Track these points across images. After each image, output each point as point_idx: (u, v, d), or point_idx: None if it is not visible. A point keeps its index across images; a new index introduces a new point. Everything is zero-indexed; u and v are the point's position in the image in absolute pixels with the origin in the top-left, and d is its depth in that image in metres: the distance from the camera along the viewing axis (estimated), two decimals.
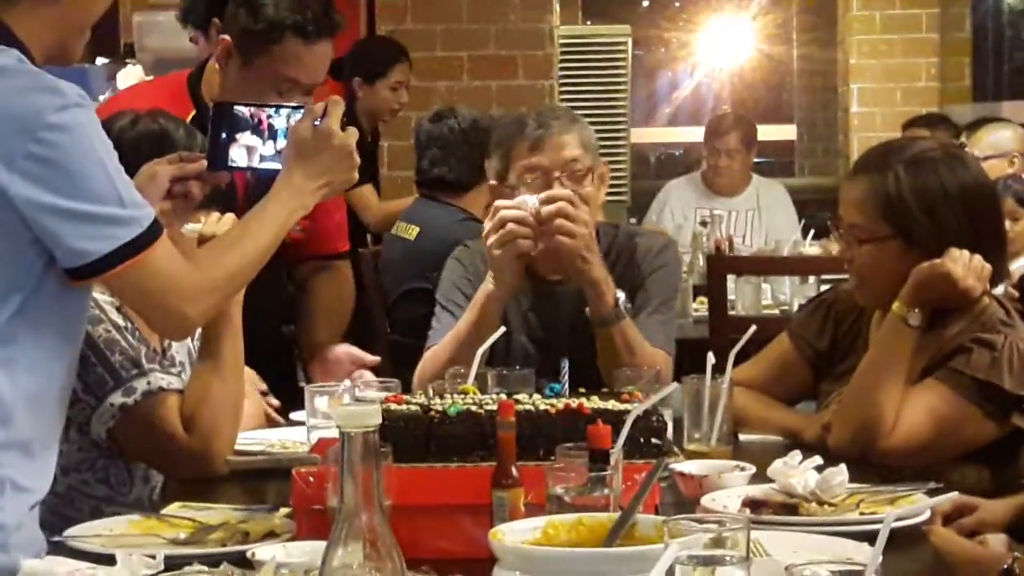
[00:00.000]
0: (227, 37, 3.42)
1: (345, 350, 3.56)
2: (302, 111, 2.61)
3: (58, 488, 2.68)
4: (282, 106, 2.67)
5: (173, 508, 2.41)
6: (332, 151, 2.54)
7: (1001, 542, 2.54)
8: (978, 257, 2.82)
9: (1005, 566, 2.17)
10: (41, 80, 2.23)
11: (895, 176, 2.87)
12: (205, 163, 2.62)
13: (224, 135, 2.59)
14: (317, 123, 2.55)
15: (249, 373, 3.13)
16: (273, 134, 2.60)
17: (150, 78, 5.08)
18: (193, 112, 3.45)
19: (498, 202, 3.19)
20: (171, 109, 3.30)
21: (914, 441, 2.77)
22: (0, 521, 2.23)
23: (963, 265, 2.81)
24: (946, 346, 2.85)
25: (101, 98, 4.92)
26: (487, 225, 3.19)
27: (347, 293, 3.86)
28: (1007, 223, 3.43)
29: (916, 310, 2.82)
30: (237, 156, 2.60)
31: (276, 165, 2.58)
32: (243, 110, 2.61)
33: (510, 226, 3.13)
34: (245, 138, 2.60)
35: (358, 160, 2.57)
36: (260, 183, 3.49)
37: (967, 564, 2.39)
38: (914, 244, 2.87)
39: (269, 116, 2.61)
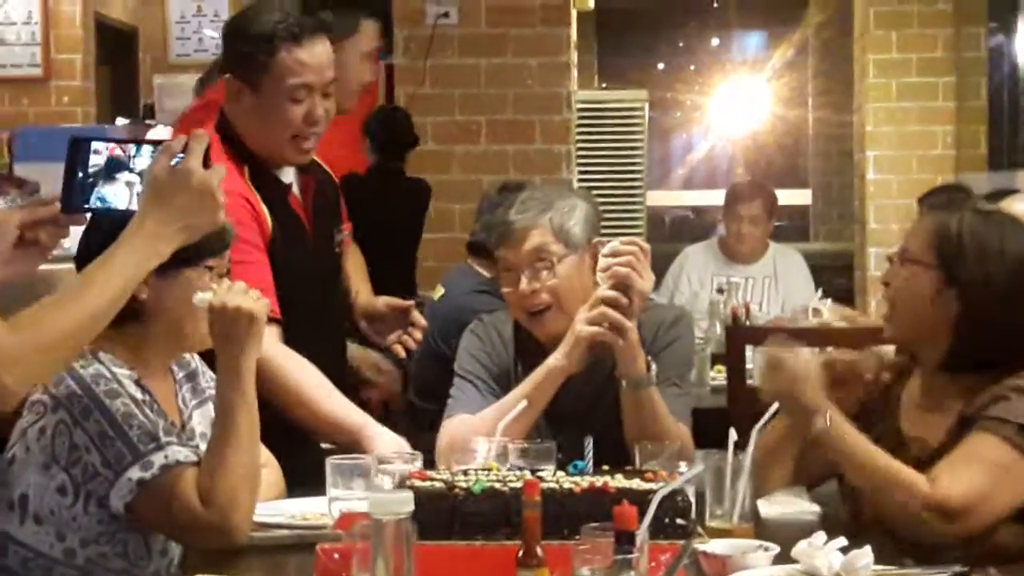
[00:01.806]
0: (228, 76, 3.42)
1: (385, 302, 3.69)
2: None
3: (77, 561, 2.70)
4: (144, 142, 2.44)
5: None
6: (191, 192, 2.34)
7: None
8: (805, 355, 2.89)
9: None
10: None
11: (960, 218, 2.94)
12: (59, 205, 2.39)
13: (80, 174, 2.38)
14: (175, 161, 2.37)
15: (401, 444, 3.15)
16: (134, 172, 2.39)
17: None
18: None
19: (601, 292, 3.21)
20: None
21: (974, 494, 2.72)
22: None
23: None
24: (982, 394, 2.85)
25: None
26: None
27: (362, 261, 4.00)
28: None
29: (826, 413, 2.84)
30: (97, 196, 2.39)
31: (136, 207, 2.38)
32: (101, 146, 2.40)
33: (606, 311, 3.18)
34: (105, 177, 2.39)
35: (222, 200, 2.39)
36: (321, 217, 3.56)
37: None
38: (954, 284, 2.89)
39: (130, 154, 2.40)
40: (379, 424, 3.20)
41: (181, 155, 2.36)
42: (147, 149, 2.38)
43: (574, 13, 7.49)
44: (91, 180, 2.36)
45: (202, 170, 2.35)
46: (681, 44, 13.77)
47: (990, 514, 2.76)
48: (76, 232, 2.72)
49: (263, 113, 3.37)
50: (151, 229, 2.32)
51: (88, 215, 2.45)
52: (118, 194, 2.36)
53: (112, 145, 2.38)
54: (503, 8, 7.01)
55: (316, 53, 3.37)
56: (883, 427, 3.01)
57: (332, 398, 3.21)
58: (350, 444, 3.14)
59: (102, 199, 2.36)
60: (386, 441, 3.14)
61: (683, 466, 2.74)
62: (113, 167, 2.36)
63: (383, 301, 3.68)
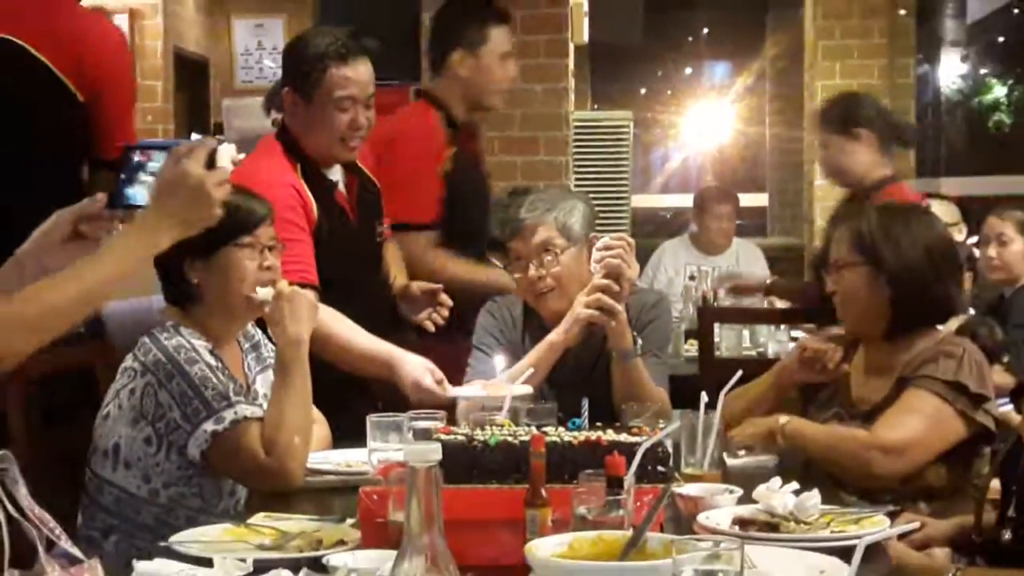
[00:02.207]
0: (286, 89, 3.43)
1: (417, 285, 3.64)
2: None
3: (160, 500, 2.70)
4: (164, 148, 2.27)
5: (258, 518, 2.39)
6: (187, 190, 2.16)
7: (945, 555, 2.54)
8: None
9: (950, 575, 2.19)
10: None
11: (867, 218, 2.97)
12: (105, 203, 2.28)
13: (124, 175, 2.28)
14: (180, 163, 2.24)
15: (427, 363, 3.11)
16: (152, 174, 2.27)
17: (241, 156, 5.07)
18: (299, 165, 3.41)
19: (596, 280, 3.23)
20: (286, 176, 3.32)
21: (910, 436, 2.78)
22: None
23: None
24: (915, 358, 2.89)
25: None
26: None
27: (398, 253, 3.90)
28: None
29: (783, 424, 2.87)
30: (128, 195, 2.28)
31: None
32: (138, 151, 2.33)
33: (601, 296, 3.18)
34: (134, 178, 2.28)
35: (218, 197, 2.19)
36: (363, 210, 3.53)
37: (919, 573, 2.39)
38: (882, 271, 2.92)
39: (151, 159, 2.27)
40: (407, 352, 3.17)
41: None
42: (162, 155, 2.25)
43: (571, 47, 7.46)
44: (127, 181, 2.29)
45: (199, 171, 2.17)
46: (660, 73, 13.71)
47: (923, 455, 2.79)
48: None
49: (315, 119, 3.38)
50: (149, 223, 2.18)
51: (124, 210, 2.32)
52: (140, 193, 2.27)
53: (146, 150, 2.29)
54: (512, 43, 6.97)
55: (359, 71, 3.38)
56: (832, 390, 3.02)
57: (362, 336, 3.20)
58: (384, 372, 3.12)
59: (130, 197, 2.28)
60: (414, 363, 3.11)
61: (663, 423, 2.73)
62: (139, 170, 2.28)
63: (416, 285, 3.66)
